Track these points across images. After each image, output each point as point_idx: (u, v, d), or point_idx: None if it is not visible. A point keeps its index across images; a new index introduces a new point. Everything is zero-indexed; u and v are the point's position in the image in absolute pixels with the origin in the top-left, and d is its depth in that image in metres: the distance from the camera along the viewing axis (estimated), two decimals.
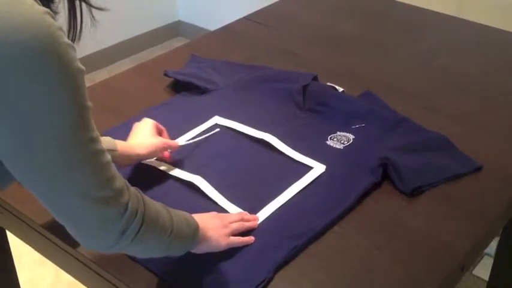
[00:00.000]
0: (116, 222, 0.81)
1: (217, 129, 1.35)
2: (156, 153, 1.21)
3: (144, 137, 1.20)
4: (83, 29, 0.85)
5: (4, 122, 0.70)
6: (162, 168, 1.24)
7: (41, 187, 0.77)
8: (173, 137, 1.32)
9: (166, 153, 1.25)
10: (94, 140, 0.76)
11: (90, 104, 0.75)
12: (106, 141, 1.10)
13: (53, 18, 0.71)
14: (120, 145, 1.14)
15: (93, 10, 0.85)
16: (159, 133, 1.24)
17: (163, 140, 1.22)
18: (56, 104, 0.71)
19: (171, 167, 1.24)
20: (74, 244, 1.03)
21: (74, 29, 0.83)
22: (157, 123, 1.25)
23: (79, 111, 0.73)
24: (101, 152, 0.77)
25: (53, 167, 0.74)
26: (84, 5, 0.83)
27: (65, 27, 0.81)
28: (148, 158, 1.22)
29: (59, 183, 0.75)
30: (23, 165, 0.74)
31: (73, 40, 0.84)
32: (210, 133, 1.34)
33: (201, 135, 1.33)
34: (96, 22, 0.86)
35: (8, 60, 0.67)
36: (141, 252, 0.92)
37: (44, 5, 0.74)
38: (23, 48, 0.67)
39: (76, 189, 0.76)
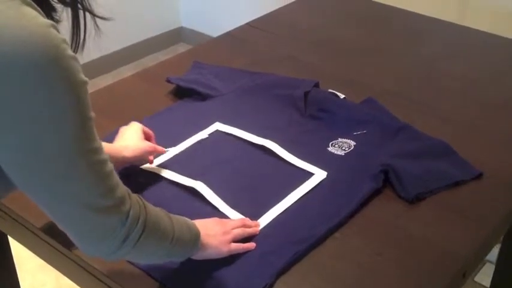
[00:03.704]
0: (117, 230, 0.81)
1: (207, 136, 1.35)
2: (142, 157, 1.20)
3: (131, 140, 1.18)
4: (87, 38, 0.85)
5: (7, 131, 0.70)
6: (162, 174, 1.24)
7: (42, 195, 0.77)
8: (174, 141, 1.33)
9: (151, 158, 1.24)
10: (96, 150, 0.77)
11: (93, 114, 0.76)
12: None
13: (58, 30, 0.71)
14: (105, 147, 1.12)
15: (97, 19, 0.85)
16: (147, 138, 1.23)
17: (151, 145, 1.21)
18: (59, 116, 0.71)
19: (168, 171, 1.24)
20: (75, 250, 1.03)
21: (77, 38, 0.83)
22: (146, 128, 1.24)
23: (82, 122, 0.74)
24: (103, 161, 0.78)
25: (55, 176, 0.74)
26: (88, 14, 0.83)
27: (68, 37, 0.82)
28: (134, 162, 1.21)
29: (61, 192, 0.76)
30: (25, 175, 0.75)
31: (76, 49, 0.84)
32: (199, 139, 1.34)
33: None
34: (100, 32, 0.86)
35: (11, 72, 0.67)
36: (142, 258, 0.93)
37: (46, 14, 0.74)
38: (26, 60, 0.67)
39: (77, 198, 0.76)
